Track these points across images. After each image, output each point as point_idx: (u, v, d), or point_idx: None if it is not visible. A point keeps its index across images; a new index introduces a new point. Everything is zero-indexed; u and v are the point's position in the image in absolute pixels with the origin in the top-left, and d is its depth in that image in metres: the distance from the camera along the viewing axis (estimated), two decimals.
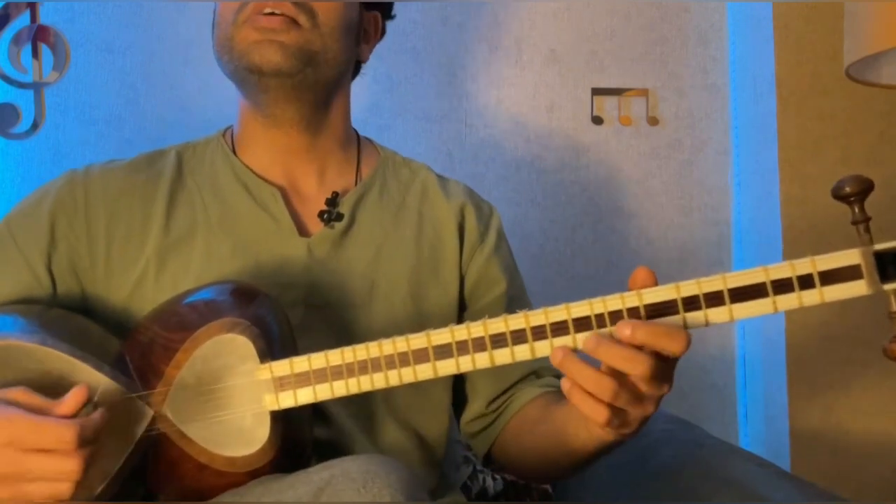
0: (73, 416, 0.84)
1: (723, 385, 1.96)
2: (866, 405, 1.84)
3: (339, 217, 1.14)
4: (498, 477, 1.54)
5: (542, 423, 1.10)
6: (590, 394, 0.84)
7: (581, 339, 0.85)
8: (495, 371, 1.14)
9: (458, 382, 1.22)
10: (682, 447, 1.32)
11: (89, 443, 0.83)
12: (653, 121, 1.94)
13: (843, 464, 1.82)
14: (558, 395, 1.10)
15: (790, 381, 1.81)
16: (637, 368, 0.82)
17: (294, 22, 1.08)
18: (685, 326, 0.84)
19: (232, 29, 1.10)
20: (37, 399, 0.84)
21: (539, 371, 1.20)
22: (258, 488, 0.87)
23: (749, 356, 1.94)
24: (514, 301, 1.22)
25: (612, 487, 1.39)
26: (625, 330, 0.82)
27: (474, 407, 1.21)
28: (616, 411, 0.85)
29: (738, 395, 1.96)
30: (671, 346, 0.82)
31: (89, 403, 0.85)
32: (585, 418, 0.89)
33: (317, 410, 1.03)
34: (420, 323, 0.94)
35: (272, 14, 1.08)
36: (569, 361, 0.84)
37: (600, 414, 0.85)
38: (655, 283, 0.85)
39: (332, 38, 1.12)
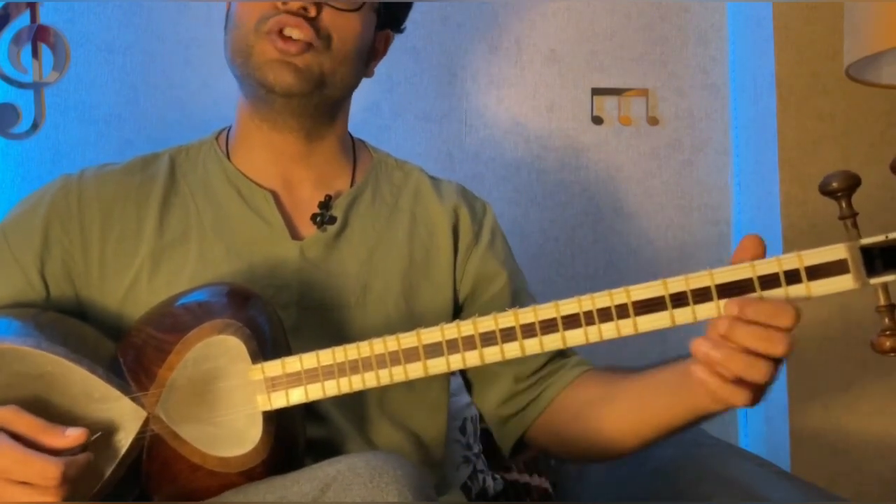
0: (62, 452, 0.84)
1: None
2: (866, 405, 1.84)
3: (332, 220, 1.15)
4: (498, 477, 1.54)
5: (614, 400, 1.07)
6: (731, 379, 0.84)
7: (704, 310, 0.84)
8: None
9: (464, 370, 1.19)
10: (681, 447, 1.32)
11: (71, 482, 0.83)
12: (653, 121, 1.94)
13: (843, 464, 1.82)
14: (613, 371, 1.11)
15: (790, 381, 1.81)
16: (777, 348, 0.81)
17: (310, 45, 1.09)
18: (672, 322, 0.84)
19: (253, 37, 1.10)
20: (27, 419, 0.85)
21: (564, 350, 1.16)
22: (262, 485, 0.87)
23: None
24: (519, 294, 1.21)
25: (611, 487, 1.39)
26: (732, 308, 0.82)
27: (502, 388, 1.17)
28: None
29: None
30: (781, 320, 0.81)
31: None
32: (717, 398, 0.87)
33: (311, 411, 1.03)
34: (413, 323, 0.94)
35: (290, 39, 1.08)
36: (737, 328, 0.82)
37: (743, 397, 0.84)
38: (764, 253, 0.85)
39: (342, 63, 1.12)
